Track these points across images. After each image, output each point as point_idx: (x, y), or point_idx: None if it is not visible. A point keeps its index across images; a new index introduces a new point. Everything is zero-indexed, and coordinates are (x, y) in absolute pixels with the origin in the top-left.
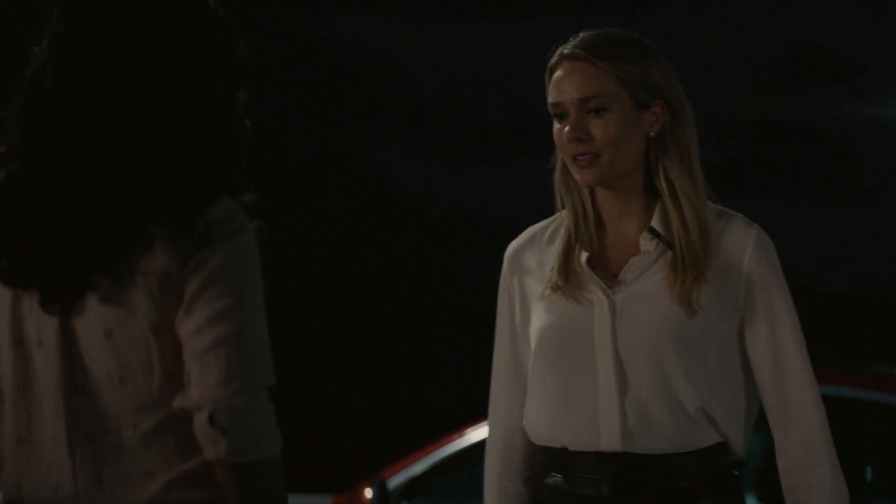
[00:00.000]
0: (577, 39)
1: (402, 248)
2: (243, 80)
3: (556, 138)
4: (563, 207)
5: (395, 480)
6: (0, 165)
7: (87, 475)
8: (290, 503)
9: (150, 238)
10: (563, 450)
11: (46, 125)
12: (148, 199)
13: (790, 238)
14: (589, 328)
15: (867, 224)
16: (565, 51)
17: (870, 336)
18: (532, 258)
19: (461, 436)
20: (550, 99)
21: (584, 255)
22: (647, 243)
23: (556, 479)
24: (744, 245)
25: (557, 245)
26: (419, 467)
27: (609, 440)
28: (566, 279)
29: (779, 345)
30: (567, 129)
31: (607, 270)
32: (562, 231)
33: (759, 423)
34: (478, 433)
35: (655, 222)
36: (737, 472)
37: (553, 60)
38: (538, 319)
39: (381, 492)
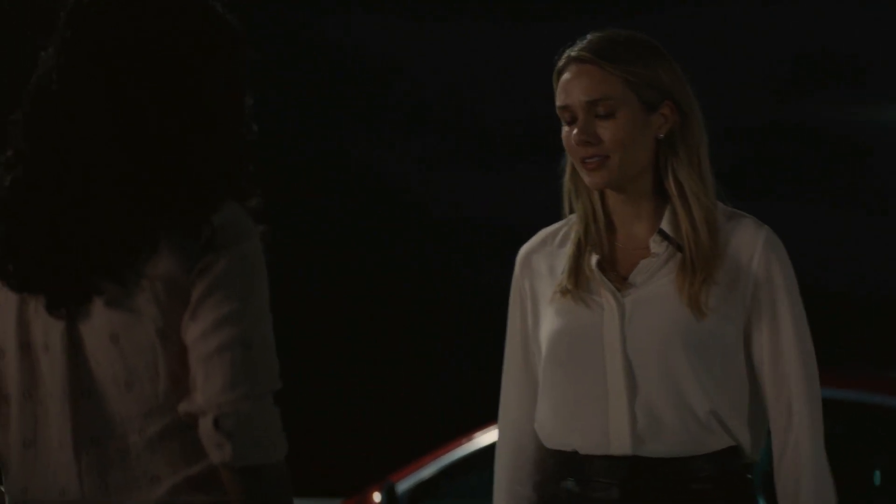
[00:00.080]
0: (584, 42)
1: (402, 248)
2: (249, 85)
3: (564, 141)
4: (572, 211)
5: (404, 484)
6: (6, 170)
7: (93, 479)
8: None
9: (156, 243)
10: (574, 453)
11: (52, 130)
12: (154, 203)
13: (796, 240)
14: (598, 331)
15: (874, 226)
16: (572, 53)
17: (878, 339)
18: (543, 261)
19: (470, 439)
20: (558, 102)
21: (594, 258)
22: (656, 245)
23: (567, 482)
24: (753, 246)
25: (568, 248)
26: (428, 471)
27: (619, 444)
28: (576, 283)
29: (779, 350)
30: (575, 132)
31: (617, 273)
32: (572, 234)
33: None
34: (486, 437)
35: (665, 224)
36: (750, 476)
37: (560, 63)
38: (548, 323)
39: (389, 496)
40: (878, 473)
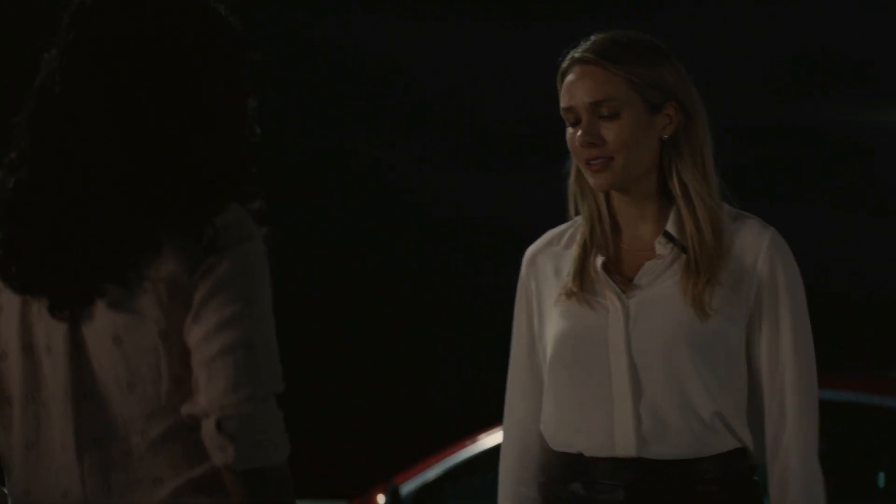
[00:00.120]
0: (588, 43)
1: (402, 248)
2: (252, 87)
3: (568, 143)
4: (577, 213)
5: (408, 487)
6: (10, 172)
7: (96, 481)
8: None
9: (159, 245)
10: (579, 455)
11: (55, 132)
12: (155, 204)
13: (796, 240)
14: (603, 333)
15: (874, 226)
16: (576, 54)
17: (879, 339)
18: (549, 262)
19: (474, 441)
20: (562, 104)
21: (599, 260)
22: (662, 247)
23: (573, 485)
24: (757, 248)
25: (573, 250)
26: (432, 473)
27: (624, 446)
28: (581, 285)
29: (778, 353)
30: (579, 133)
31: (623, 275)
32: (577, 236)
33: None
34: (490, 439)
35: (670, 226)
36: (756, 478)
37: (564, 64)
38: (554, 325)
39: (393, 498)
40: (882, 476)
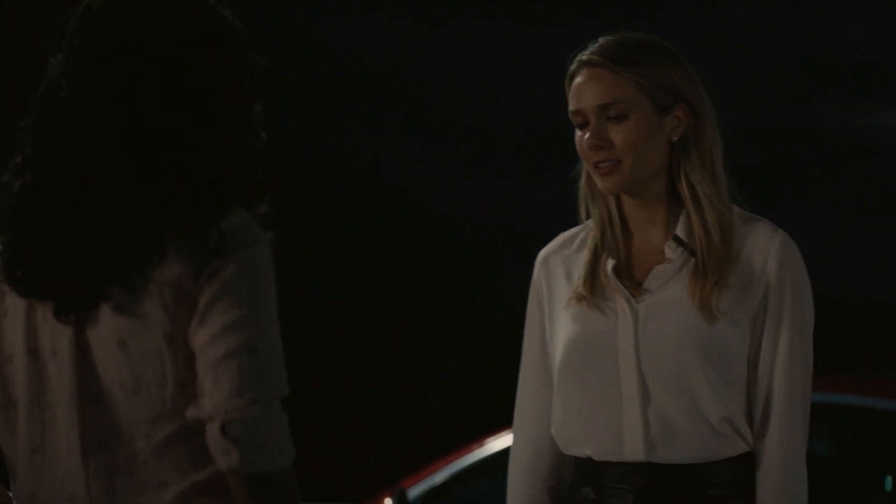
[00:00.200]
0: (596, 45)
1: (402, 248)
2: (258, 92)
3: (577, 146)
4: (588, 216)
5: (415, 490)
6: (15, 176)
7: (101, 485)
8: None
9: (164, 249)
10: (589, 459)
11: (60, 136)
12: (161, 209)
13: (803, 243)
14: (613, 338)
15: (875, 227)
16: (584, 57)
17: (889, 343)
18: (561, 265)
19: (481, 445)
20: (570, 106)
21: (610, 264)
22: (671, 251)
23: (583, 489)
24: (767, 251)
25: (584, 254)
26: (439, 477)
27: (632, 450)
28: (591, 289)
29: (773, 355)
30: (587, 136)
31: (633, 279)
32: (589, 240)
33: None
34: (498, 442)
35: (680, 230)
36: None
37: (572, 67)
38: (564, 328)
39: (401, 502)
40: (888, 479)
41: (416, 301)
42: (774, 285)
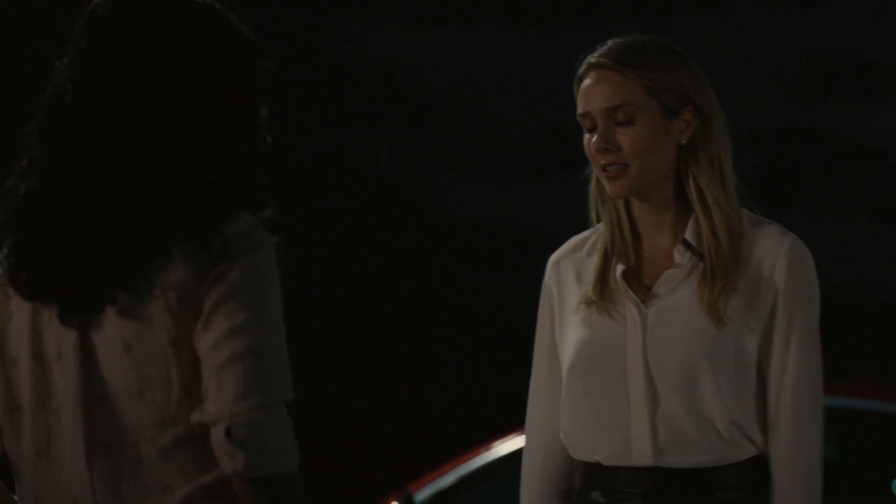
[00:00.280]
0: (604, 48)
1: (402, 249)
2: (264, 96)
3: (585, 149)
4: (599, 220)
5: (422, 494)
6: (20, 179)
7: (106, 488)
8: None
9: (169, 252)
10: (598, 464)
11: (66, 140)
12: (166, 213)
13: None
14: (621, 343)
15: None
16: (592, 60)
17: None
18: (572, 269)
19: (488, 449)
20: (579, 109)
21: (619, 269)
22: (680, 256)
23: (592, 493)
24: (776, 254)
25: (595, 258)
26: (446, 481)
27: (640, 455)
28: (601, 294)
29: (784, 361)
30: (595, 139)
31: (643, 284)
32: (599, 244)
33: None
34: (505, 446)
35: (689, 234)
36: None
37: (581, 70)
38: (573, 333)
39: None
40: (895, 483)
41: (416, 301)
42: (784, 289)
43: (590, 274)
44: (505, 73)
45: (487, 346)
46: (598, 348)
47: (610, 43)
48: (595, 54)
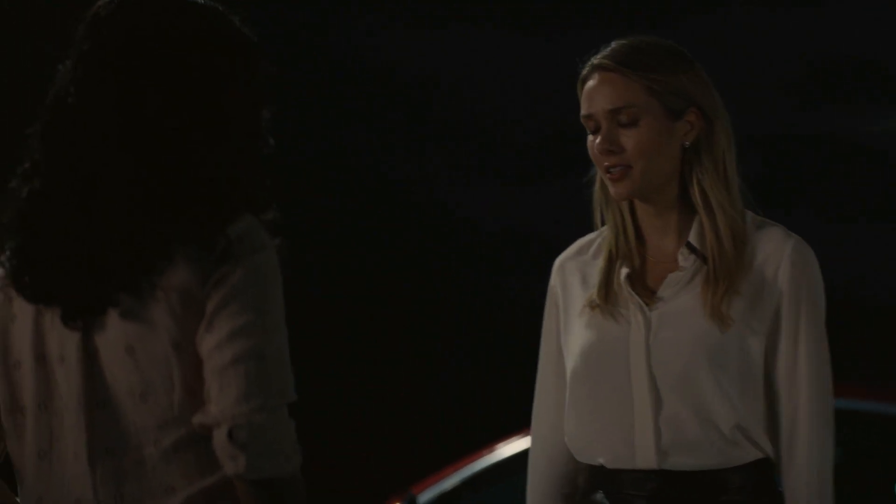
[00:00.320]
0: (608, 49)
1: (403, 249)
2: (267, 98)
3: (589, 151)
4: (603, 223)
5: (425, 496)
6: (23, 182)
7: (108, 490)
8: None
9: (171, 254)
10: (602, 467)
11: (68, 143)
12: (168, 215)
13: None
14: (625, 346)
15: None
16: (595, 61)
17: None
18: (577, 271)
19: (491, 451)
20: (582, 111)
21: (624, 272)
22: (684, 259)
23: (597, 496)
24: (779, 257)
25: (599, 261)
26: (449, 483)
27: (644, 458)
28: (606, 297)
29: (794, 363)
30: (598, 140)
31: (647, 287)
32: (604, 247)
33: None
34: (508, 448)
35: (693, 237)
36: (780, 489)
37: (584, 71)
38: (577, 336)
39: None
40: None
41: (416, 301)
42: (788, 293)
43: (595, 277)
44: (505, 74)
45: (487, 347)
46: (602, 351)
47: (613, 44)
48: (598, 56)
